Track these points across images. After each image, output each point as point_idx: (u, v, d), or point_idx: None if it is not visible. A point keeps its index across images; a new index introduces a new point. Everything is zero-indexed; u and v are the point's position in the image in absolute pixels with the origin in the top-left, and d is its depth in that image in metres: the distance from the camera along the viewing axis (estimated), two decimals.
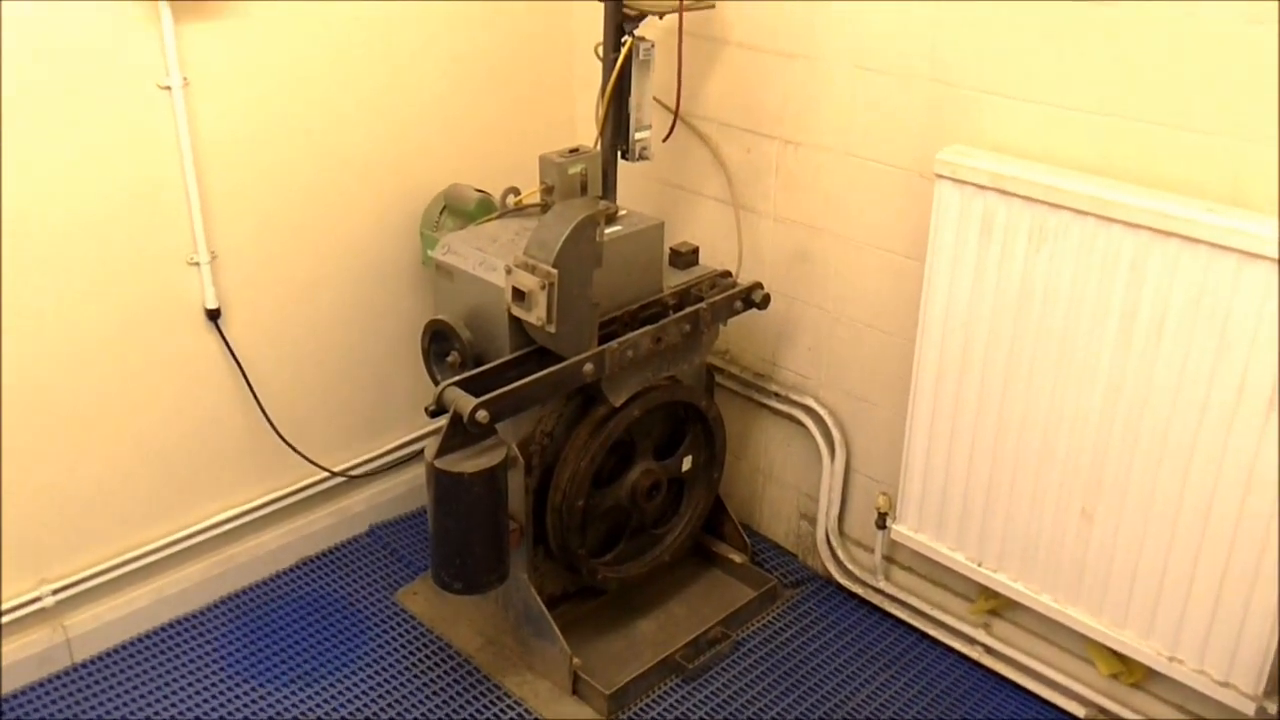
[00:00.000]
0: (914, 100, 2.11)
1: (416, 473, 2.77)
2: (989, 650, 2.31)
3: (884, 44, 2.13)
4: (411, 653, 2.36)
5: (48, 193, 2.02)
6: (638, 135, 2.27)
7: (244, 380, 2.39)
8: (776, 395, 2.55)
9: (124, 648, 2.36)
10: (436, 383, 2.17)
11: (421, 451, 2.74)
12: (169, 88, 2.09)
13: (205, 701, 2.23)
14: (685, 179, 2.59)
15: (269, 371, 2.44)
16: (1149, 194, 1.78)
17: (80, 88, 2.00)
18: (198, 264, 2.24)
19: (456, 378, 2.01)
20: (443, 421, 1.96)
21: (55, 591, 2.24)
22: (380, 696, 2.25)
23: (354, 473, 2.66)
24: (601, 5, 2.20)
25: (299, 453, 2.51)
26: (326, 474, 2.60)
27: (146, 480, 2.33)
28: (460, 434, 1.96)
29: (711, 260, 2.43)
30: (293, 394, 2.50)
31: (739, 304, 2.29)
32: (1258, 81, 1.69)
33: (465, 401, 1.93)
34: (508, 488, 2.02)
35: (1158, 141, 1.81)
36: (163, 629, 2.41)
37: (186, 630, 2.42)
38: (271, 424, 2.45)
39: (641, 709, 2.24)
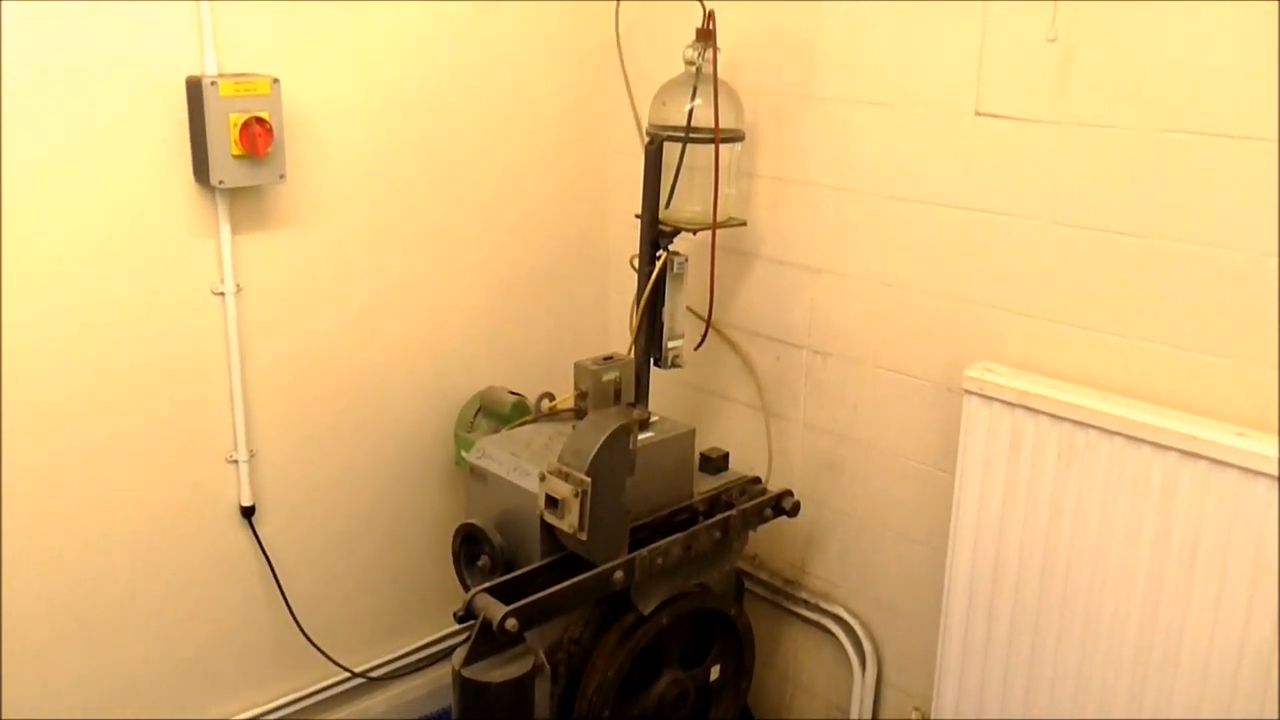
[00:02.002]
0: (938, 316, 2.17)
1: (438, 674, 2.73)
2: None
3: (907, 263, 2.21)
4: None
5: (98, 387, 2.08)
6: (670, 344, 2.33)
7: (273, 578, 2.39)
8: (806, 603, 2.53)
9: None
10: (466, 586, 2.17)
11: (444, 652, 2.72)
12: (222, 294, 2.18)
13: None
14: (716, 385, 2.64)
15: (298, 569, 2.44)
16: (1176, 416, 1.81)
17: (138, 291, 2.09)
18: (236, 462, 2.28)
19: (487, 584, 2.01)
20: (470, 626, 1.95)
21: None
22: None
23: (375, 674, 2.62)
24: (638, 221, 2.30)
25: (323, 652, 2.49)
26: (348, 674, 2.57)
27: (167, 676, 2.31)
28: (488, 642, 1.94)
29: (741, 465, 2.45)
30: (320, 592, 2.50)
31: (769, 511, 2.30)
32: (1275, 309, 1.74)
33: (495, 609, 1.92)
34: (534, 697, 1.99)
35: (1183, 364, 1.85)
36: None
37: None
38: (297, 623, 2.44)
39: None
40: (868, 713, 2.44)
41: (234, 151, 2.05)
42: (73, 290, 2.01)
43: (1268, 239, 1.72)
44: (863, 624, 2.44)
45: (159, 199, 2.07)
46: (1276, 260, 1.72)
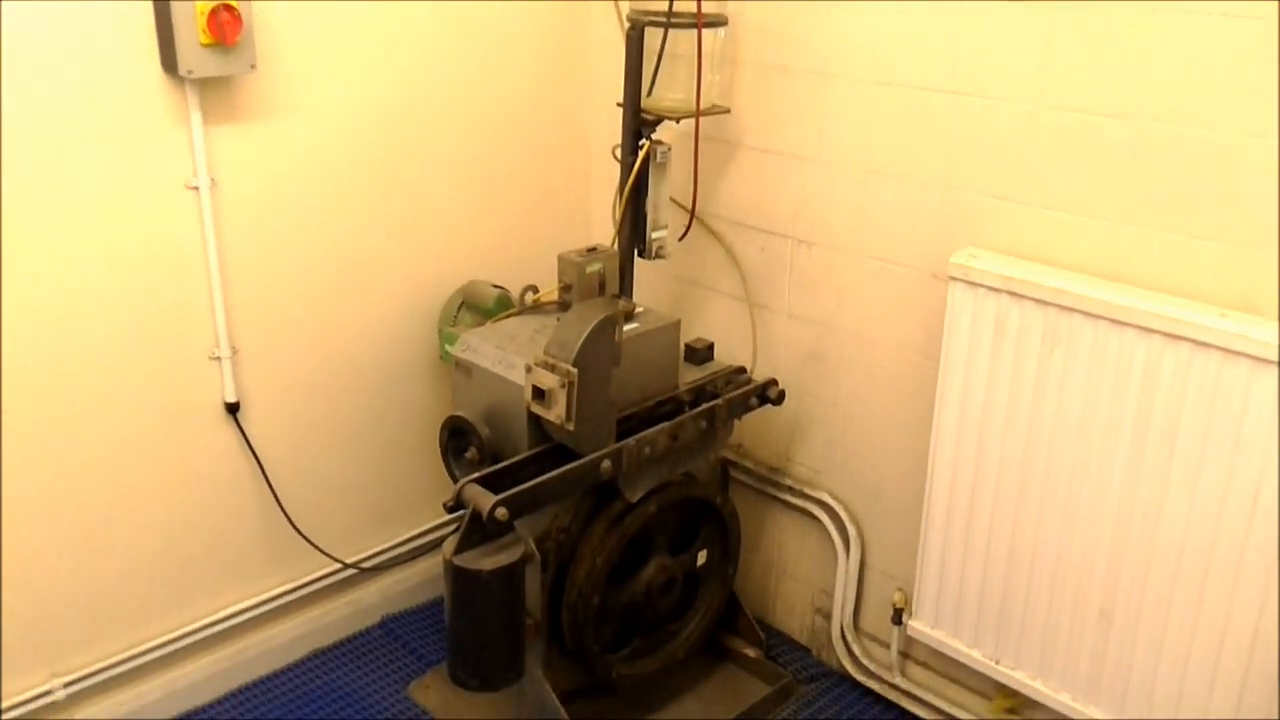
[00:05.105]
0: (925, 203, 2.16)
1: (429, 564, 2.77)
2: None
3: (893, 150, 2.18)
4: None
5: (75, 289, 2.05)
6: (654, 235, 2.31)
7: (261, 473, 2.40)
8: (790, 490, 2.56)
9: None
10: (454, 478, 2.18)
11: (434, 543, 2.76)
12: (196, 188, 2.14)
13: None
14: (700, 276, 2.63)
15: (286, 464, 2.45)
16: (1160, 299, 1.82)
17: (111, 187, 2.04)
18: (219, 359, 2.27)
19: (475, 474, 2.02)
20: (460, 517, 1.97)
21: (66, 685, 2.23)
22: None
23: (366, 565, 2.66)
24: (620, 109, 2.26)
25: (313, 544, 2.52)
26: (339, 565, 2.60)
27: (160, 572, 2.33)
28: (479, 531, 1.96)
29: (726, 356, 2.45)
30: (308, 486, 2.51)
31: (754, 400, 2.32)
32: (1261, 191, 1.73)
33: (484, 499, 1.94)
34: (525, 584, 2.03)
35: (1168, 248, 1.85)
36: None
37: None
38: (287, 516, 2.46)
39: None
40: (851, 595, 2.50)
41: (202, 40, 1.99)
42: (42, 186, 1.97)
43: (1256, 119, 1.71)
44: (847, 509, 2.48)
45: (126, 90, 2.01)
46: (1266, 141, 1.71)
